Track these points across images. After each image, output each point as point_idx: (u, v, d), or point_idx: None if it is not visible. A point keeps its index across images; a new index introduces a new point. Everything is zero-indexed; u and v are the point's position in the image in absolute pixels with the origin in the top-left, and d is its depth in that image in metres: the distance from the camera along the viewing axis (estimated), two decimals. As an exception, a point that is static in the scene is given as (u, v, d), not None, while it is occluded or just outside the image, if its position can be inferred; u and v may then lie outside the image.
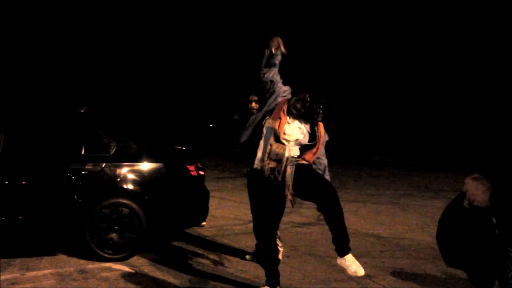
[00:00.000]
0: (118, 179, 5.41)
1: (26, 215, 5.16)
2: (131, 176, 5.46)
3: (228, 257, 5.59)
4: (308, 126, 4.20)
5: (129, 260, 5.32)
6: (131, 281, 4.71)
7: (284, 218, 4.81)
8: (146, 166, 5.55)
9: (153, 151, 5.78)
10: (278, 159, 4.07)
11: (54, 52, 23.77)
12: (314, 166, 4.28)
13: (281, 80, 4.30)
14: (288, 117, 4.15)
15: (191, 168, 5.73)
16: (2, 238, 5.31)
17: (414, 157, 20.36)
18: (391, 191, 11.67)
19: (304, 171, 4.14)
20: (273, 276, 4.33)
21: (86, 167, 5.34)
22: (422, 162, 19.44)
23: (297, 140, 4.14)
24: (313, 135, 4.19)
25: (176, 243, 6.18)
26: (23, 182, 5.18)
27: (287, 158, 4.07)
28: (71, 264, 5.12)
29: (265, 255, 4.35)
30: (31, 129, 5.56)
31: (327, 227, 7.17)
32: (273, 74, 4.27)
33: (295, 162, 4.11)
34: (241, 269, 5.21)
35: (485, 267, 1.76)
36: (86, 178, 5.31)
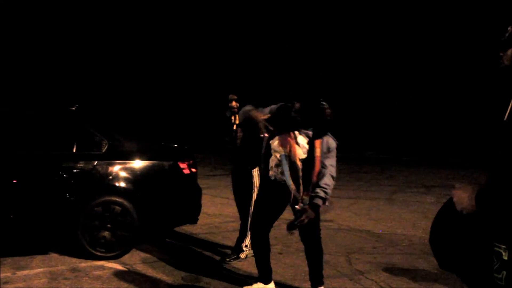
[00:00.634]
0: (110, 177, 5.40)
1: (17, 213, 5.13)
2: (123, 174, 5.45)
3: (221, 254, 5.59)
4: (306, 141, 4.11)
5: (121, 258, 5.32)
6: (123, 279, 4.70)
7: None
8: (138, 163, 5.54)
9: (145, 148, 5.77)
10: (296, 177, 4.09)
11: (45, 48, 23.64)
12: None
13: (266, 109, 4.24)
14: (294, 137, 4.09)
15: (183, 165, 5.73)
16: (-7, 237, 5.28)
17: (406, 153, 20.43)
18: (383, 187, 11.71)
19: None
20: (265, 272, 4.35)
21: (78, 165, 5.32)
22: (414, 158, 19.51)
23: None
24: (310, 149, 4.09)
25: (168, 241, 6.18)
26: (14, 180, 5.15)
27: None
28: (63, 263, 5.11)
29: (259, 251, 4.35)
30: (22, 126, 5.52)
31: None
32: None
33: None
34: (234, 266, 5.21)
35: (477, 270, 1.77)
36: (78, 176, 5.29)
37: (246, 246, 5.43)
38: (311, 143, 4.06)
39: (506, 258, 1.56)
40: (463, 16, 21.79)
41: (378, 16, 24.21)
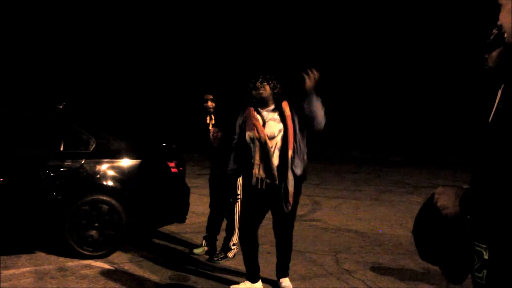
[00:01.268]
0: (98, 176, 5.38)
1: (3, 212, 5.08)
2: (110, 172, 5.43)
3: (209, 253, 5.59)
4: (277, 113, 4.30)
5: (109, 257, 5.30)
6: (111, 278, 4.68)
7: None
8: (126, 162, 5.52)
9: (133, 147, 5.75)
10: (269, 169, 4.18)
11: (33, 46, 23.44)
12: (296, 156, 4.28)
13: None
14: (259, 116, 4.30)
15: (171, 164, 5.72)
16: (-21, 236, 5.24)
17: (393, 153, 20.55)
18: (370, 187, 11.77)
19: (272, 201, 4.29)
20: (253, 271, 4.40)
21: (65, 163, 5.29)
22: (401, 158, 19.63)
23: (280, 131, 4.22)
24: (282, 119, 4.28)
25: (156, 240, 6.17)
26: (0, 179, 5.10)
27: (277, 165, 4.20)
28: (49, 262, 5.07)
29: (247, 249, 4.39)
30: (7, 124, 5.47)
31: (307, 224, 7.24)
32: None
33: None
34: (222, 265, 5.22)
35: (457, 262, 1.79)
36: (65, 174, 5.26)
37: (233, 244, 5.44)
38: (279, 108, 4.28)
39: (486, 257, 1.59)
40: (456, 17, 21.95)
41: (369, 16, 24.31)
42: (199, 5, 25.09)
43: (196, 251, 5.61)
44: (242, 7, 24.49)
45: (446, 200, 1.72)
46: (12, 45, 22.71)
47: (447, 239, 1.77)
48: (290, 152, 4.16)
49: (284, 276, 4.55)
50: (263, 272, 4.64)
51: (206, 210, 5.86)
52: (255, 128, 4.22)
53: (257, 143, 4.21)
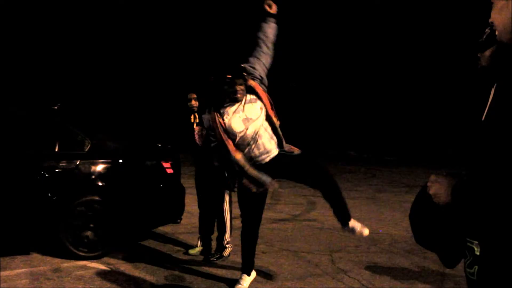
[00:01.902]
0: (93, 176, 5.37)
1: (-2, 213, 5.06)
2: (106, 173, 5.42)
3: (204, 253, 5.59)
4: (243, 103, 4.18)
5: (104, 258, 5.29)
6: (106, 279, 4.68)
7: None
8: (121, 163, 5.51)
9: (128, 148, 5.75)
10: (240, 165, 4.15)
11: (29, 46, 23.38)
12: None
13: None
14: (220, 116, 4.19)
15: (167, 164, 5.72)
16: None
17: (389, 152, 20.61)
18: (366, 187, 11.80)
19: (280, 161, 4.17)
20: (250, 264, 4.52)
21: (60, 164, 5.27)
22: (396, 158, 19.68)
23: (248, 120, 4.13)
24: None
25: (152, 241, 6.16)
26: (-5, 180, 5.09)
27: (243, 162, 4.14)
28: (45, 263, 5.06)
29: (250, 244, 4.46)
30: (2, 124, 5.45)
31: (302, 224, 7.25)
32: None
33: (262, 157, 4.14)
34: (218, 265, 5.22)
35: (449, 247, 1.82)
36: (60, 175, 5.25)
37: (227, 243, 5.45)
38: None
39: (478, 253, 1.61)
40: (450, 16, 22.02)
41: (364, 16, 24.35)
42: (186, 6, 25.08)
43: (192, 251, 5.61)
44: (227, 6, 24.49)
45: (439, 188, 1.74)
46: (7, 46, 22.65)
47: (440, 225, 1.79)
48: (276, 121, 4.18)
49: (347, 222, 4.49)
50: (258, 273, 4.65)
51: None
52: (216, 128, 4.17)
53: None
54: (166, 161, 5.76)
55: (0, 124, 5.43)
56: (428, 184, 1.79)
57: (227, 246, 5.45)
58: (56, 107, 5.77)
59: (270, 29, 4.31)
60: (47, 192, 5.17)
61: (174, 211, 5.86)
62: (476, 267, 1.61)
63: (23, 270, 4.83)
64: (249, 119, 4.12)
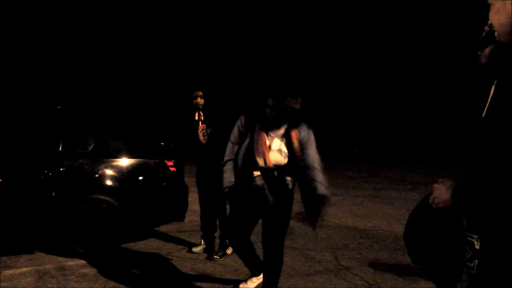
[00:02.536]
0: (97, 175, 5.39)
1: (3, 212, 5.09)
2: (109, 172, 5.44)
3: (208, 251, 5.61)
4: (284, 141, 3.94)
5: (108, 256, 5.31)
6: (110, 277, 4.70)
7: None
8: (124, 162, 5.54)
9: (131, 146, 5.77)
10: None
11: (32, 46, 23.43)
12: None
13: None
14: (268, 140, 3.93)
15: (170, 163, 5.74)
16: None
17: (392, 150, 20.59)
18: (369, 184, 11.81)
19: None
20: (255, 266, 4.33)
21: (64, 163, 5.30)
22: (399, 156, 19.67)
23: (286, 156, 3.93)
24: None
25: (155, 239, 6.18)
26: None
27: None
28: (49, 262, 5.09)
29: (243, 254, 4.26)
30: (6, 124, 5.49)
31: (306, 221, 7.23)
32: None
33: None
34: (220, 263, 5.24)
35: (450, 267, 1.83)
36: (64, 174, 5.28)
37: None
38: (287, 137, 3.91)
39: (478, 247, 1.63)
40: (450, 14, 21.98)
41: (365, 15, 24.32)
42: (189, 4, 25.08)
43: (195, 249, 5.63)
44: (233, 5, 24.48)
45: (440, 191, 1.76)
46: (11, 45, 22.71)
47: (440, 238, 1.81)
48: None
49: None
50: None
51: (203, 208, 5.88)
52: (263, 156, 3.88)
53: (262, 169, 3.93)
54: (169, 160, 5.78)
55: (3, 123, 5.47)
56: (433, 187, 1.82)
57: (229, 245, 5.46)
58: (59, 107, 5.80)
59: None
60: (51, 191, 5.20)
61: (177, 209, 5.88)
62: (476, 261, 1.63)
63: (27, 268, 4.87)
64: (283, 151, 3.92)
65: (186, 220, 6.13)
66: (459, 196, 1.66)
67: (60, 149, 5.37)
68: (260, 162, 3.88)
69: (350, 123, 24.04)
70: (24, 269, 4.84)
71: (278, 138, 3.93)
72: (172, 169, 5.77)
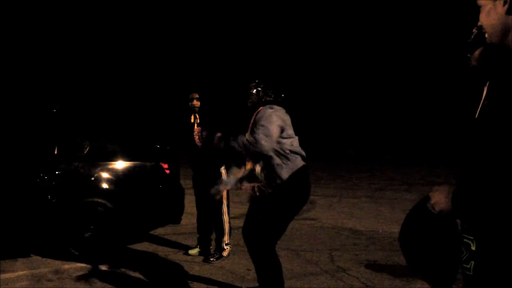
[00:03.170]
0: (92, 178, 5.39)
1: (-1, 216, 5.09)
2: (105, 175, 5.45)
3: (204, 254, 5.61)
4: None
5: (104, 259, 5.31)
6: (107, 280, 4.70)
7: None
8: (120, 164, 5.54)
9: (127, 149, 5.77)
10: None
11: (28, 47, 23.38)
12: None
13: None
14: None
15: (165, 165, 5.74)
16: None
17: (389, 151, 20.62)
18: (365, 185, 11.83)
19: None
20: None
21: (59, 166, 5.30)
22: (396, 156, 19.71)
23: None
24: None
25: (151, 241, 6.18)
26: (-5, 183, 5.11)
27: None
28: (46, 265, 5.09)
29: (273, 268, 4.00)
30: (2, 128, 5.48)
31: (302, 222, 7.27)
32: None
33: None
34: (218, 265, 5.24)
35: (446, 269, 1.84)
36: (59, 177, 5.27)
37: (226, 244, 5.47)
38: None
39: (474, 248, 1.63)
40: (444, 15, 22.05)
41: (361, 16, 24.38)
42: (187, 6, 25.07)
43: (192, 252, 5.63)
44: (231, 5, 24.48)
45: (438, 196, 1.76)
46: (8, 46, 22.65)
47: (436, 241, 1.81)
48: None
49: None
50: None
51: (199, 211, 5.88)
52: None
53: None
54: (165, 162, 5.78)
55: (-1, 127, 5.47)
56: (430, 194, 1.81)
57: (225, 247, 5.47)
58: (55, 110, 5.80)
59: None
60: (46, 194, 5.19)
61: (173, 212, 5.88)
62: (473, 262, 1.63)
63: (24, 272, 4.86)
64: None
65: (182, 222, 6.13)
66: (457, 200, 1.67)
67: (55, 152, 5.36)
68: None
69: (346, 124, 24.07)
70: (21, 273, 4.83)
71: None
72: (167, 171, 5.77)
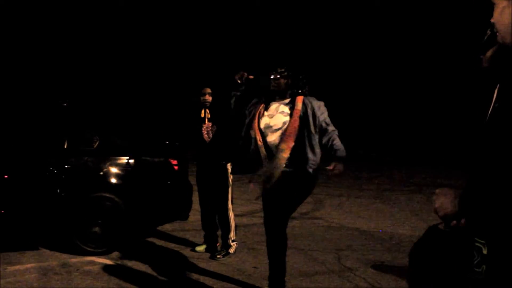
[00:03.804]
0: (101, 173, 5.42)
1: (8, 209, 5.13)
2: (114, 170, 5.47)
3: (211, 250, 5.62)
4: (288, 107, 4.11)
5: (112, 254, 5.34)
6: (113, 274, 4.72)
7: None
8: (129, 160, 5.55)
9: (136, 145, 5.79)
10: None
11: (37, 43, 23.52)
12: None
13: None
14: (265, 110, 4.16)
15: (174, 162, 5.75)
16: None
17: (397, 152, 20.53)
18: (374, 186, 11.79)
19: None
20: (280, 277, 4.21)
21: (69, 160, 5.33)
22: (405, 157, 19.61)
23: (284, 123, 4.05)
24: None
25: (159, 237, 6.20)
26: (5, 176, 5.15)
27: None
28: (53, 258, 5.12)
29: (278, 251, 4.22)
30: (12, 121, 5.52)
31: (309, 222, 7.27)
32: (233, 101, 4.36)
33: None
34: (224, 262, 5.25)
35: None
36: (69, 171, 5.30)
37: (233, 240, 5.48)
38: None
39: (485, 252, 1.62)
40: (453, 16, 21.90)
41: (361, 18, 24.28)
42: (194, 1, 25.08)
43: (198, 248, 5.64)
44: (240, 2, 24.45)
45: (444, 199, 1.74)
46: (17, 42, 22.80)
47: (449, 261, 1.79)
48: (283, 145, 3.98)
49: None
50: (264, 270, 4.67)
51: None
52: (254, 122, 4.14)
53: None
54: (174, 159, 5.79)
55: (8, 120, 5.51)
56: (434, 198, 1.80)
57: (232, 244, 5.48)
58: (65, 104, 5.83)
59: None
60: (55, 188, 5.23)
61: (181, 208, 5.90)
62: (484, 266, 1.62)
63: (32, 265, 4.90)
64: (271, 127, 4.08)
65: (190, 219, 6.14)
66: (466, 204, 1.65)
67: (65, 146, 5.39)
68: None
69: (356, 124, 23.99)
70: (28, 265, 4.87)
71: (281, 104, 4.17)
72: (176, 167, 5.78)
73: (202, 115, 5.50)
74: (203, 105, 5.50)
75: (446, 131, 21.52)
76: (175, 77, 25.01)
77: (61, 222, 5.26)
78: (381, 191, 10.84)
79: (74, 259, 5.11)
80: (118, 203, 5.37)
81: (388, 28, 23.73)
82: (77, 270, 4.81)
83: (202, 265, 5.13)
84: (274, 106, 4.16)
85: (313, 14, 24.51)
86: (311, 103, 4.07)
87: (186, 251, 5.64)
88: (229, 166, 5.38)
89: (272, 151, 4.03)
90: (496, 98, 1.70)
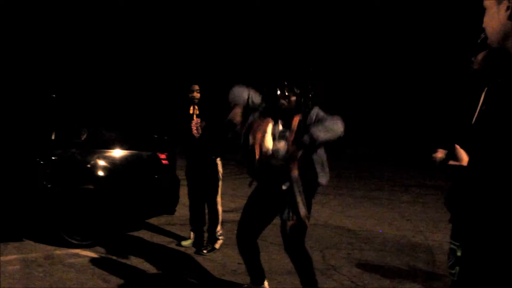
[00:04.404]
0: (89, 165, 5.38)
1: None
2: (101, 162, 5.44)
3: (197, 245, 5.61)
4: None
5: (97, 247, 5.31)
6: (98, 267, 4.70)
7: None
8: (117, 153, 5.53)
9: (124, 138, 5.76)
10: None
11: (29, 36, 23.34)
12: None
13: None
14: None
15: (162, 156, 5.74)
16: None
17: (385, 152, 20.64)
18: (361, 185, 11.83)
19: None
20: (258, 275, 4.26)
21: (56, 152, 5.29)
22: (393, 157, 19.72)
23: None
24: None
25: (145, 231, 6.18)
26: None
27: None
28: (37, 250, 5.08)
29: (248, 257, 4.23)
30: (-1, 112, 5.47)
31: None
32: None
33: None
34: (209, 257, 5.25)
35: None
36: (56, 163, 5.26)
37: (220, 235, 5.49)
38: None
39: (459, 254, 1.64)
40: (444, 19, 22.04)
41: (357, 20, 24.37)
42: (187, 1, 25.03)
43: (184, 243, 5.64)
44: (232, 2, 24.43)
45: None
46: (7, 32, 22.60)
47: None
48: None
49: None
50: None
51: (195, 202, 5.87)
52: (259, 135, 3.87)
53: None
54: (162, 153, 5.78)
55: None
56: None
57: (219, 238, 5.48)
58: (53, 96, 5.78)
59: None
60: (42, 180, 5.18)
61: (168, 202, 5.88)
62: (458, 268, 1.64)
63: (15, 256, 4.86)
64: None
65: (176, 213, 6.13)
66: (449, 203, 1.67)
67: (52, 137, 5.35)
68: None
69: (345, 123, 24.08)
70: (12, 257, 4.83)
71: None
72: (164, 162, 5.76)
73: (191, 112, 5.52)
74: (191, 101, 5.51)
75: (434, 132, 21.64)
76: (167, 71, 24.93)
77: (47, 214, 5.22)
78: (369, 191, 10.88)
79: (59, 251, 5.08)
80: (105, 196, 5.34)
81: (388, 28, 23.80)
82: (61, 262, 4.78)
83: (187, 259, 5.12)
84: (279, 127, 3.95)
85: (313, 14, 24.53)
86: (318, 114, 4.03)
87: (172, 245, 5.63)
88: (218, 161, 5.40)
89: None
90: (483, 101, 1.71)
